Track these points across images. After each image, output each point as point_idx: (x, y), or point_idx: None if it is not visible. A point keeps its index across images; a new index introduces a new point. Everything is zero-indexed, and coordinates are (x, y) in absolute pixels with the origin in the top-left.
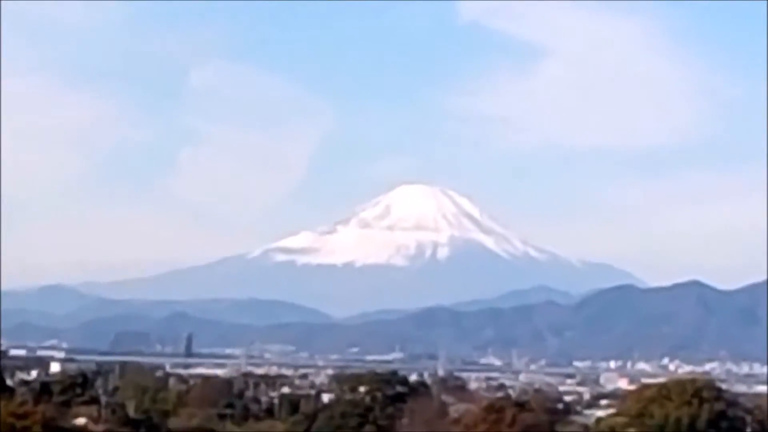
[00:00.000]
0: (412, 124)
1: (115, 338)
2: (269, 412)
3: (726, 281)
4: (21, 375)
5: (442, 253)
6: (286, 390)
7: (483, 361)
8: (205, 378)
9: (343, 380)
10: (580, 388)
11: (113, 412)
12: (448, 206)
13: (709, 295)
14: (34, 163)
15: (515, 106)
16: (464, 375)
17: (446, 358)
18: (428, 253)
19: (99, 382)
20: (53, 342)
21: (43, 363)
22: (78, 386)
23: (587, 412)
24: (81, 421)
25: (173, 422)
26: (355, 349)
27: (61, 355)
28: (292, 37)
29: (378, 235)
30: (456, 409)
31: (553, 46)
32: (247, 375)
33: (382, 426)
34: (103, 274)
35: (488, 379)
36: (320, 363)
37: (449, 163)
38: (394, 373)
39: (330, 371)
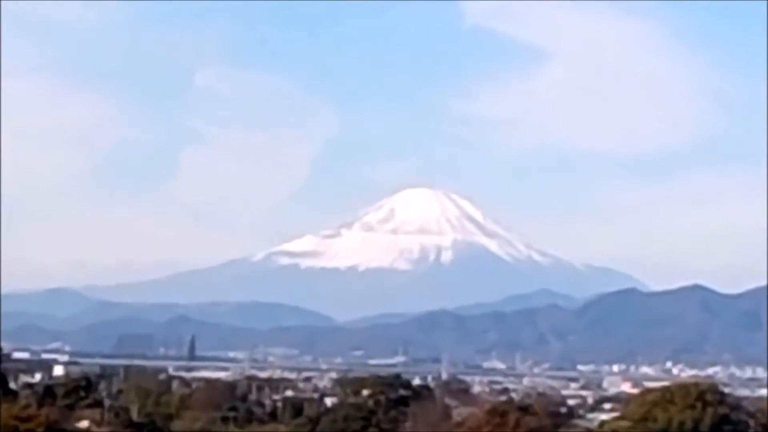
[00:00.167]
0: (415, 126)
1: (118, 341)
2: (272, 415)
3: (729, 285)
4: (24, 378)
5: (446, 256)
6: (289, 393)
7: (486, 364)
8: (209, 381)
9: (347, 384)
10: (583, 392)
11: (116, 415)
12: (451, 210)
13: (712, 298)
14: (35, 165)
15: (518, 109)
16: (467, 378)
17: (449, 361)
18: (432, 256)
19: (102, 386)
20: (56, 345)
21: (46, 366)
22: (81, 389)
23: (590, 415)
24: (84, 424)
25: (176, 425)
26: (358, 353)
27: (65, 358)
28: (295, 39)
29: (381, 238)
30: (459, 412)
31: (556, 48)
32: (250, 378)
33: (386, 429)
34: (106, 277)
35: (491, 382)
36: (323, 366)
37: (452, 166)
38: (398, 376)
39: (333, 375)
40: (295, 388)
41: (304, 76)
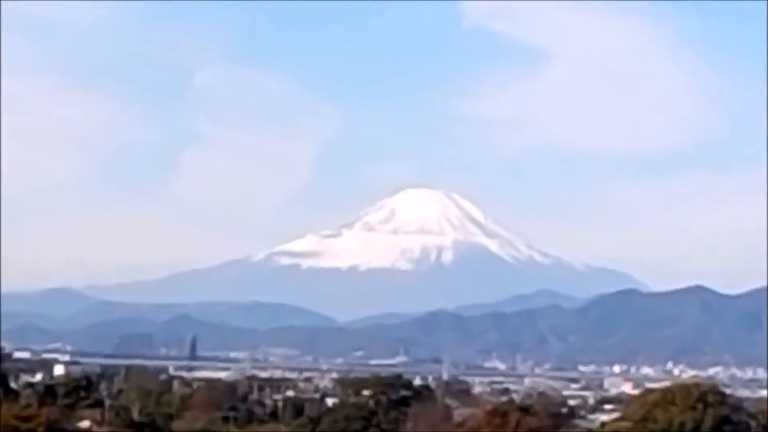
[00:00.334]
0: (415, 126)
1: (119, 341)
2: (273, 415)
3: (730, 286)
4: (25, 377)
5: (447, 257)
6: (290, 393)
7: (487, 365)
8: (209, 381)
9: (348, 384)
10: (584, 393)
11: (117, 415)
12: (452, 210)
13: (712, 299)
14: (36, 164)
15: (519, 109)
16: (468, 379)
17: (450, 362)
18: (432, 257)
19: (103, 385)
20: (57, 345)
21: (47, 366)
22: (82, 389)
23: (591, 416)
24: (85, 423)
25: (177, 425)
26: (359, 353)
27: (66, 357)
28: (296, 39)
29: (382, 238)
30: (460, 413)
31: (556, 49)
32: (251, 378)
33: (387, 430)
34: (107, 277)
35: (492, 383)
36: (324, 366)
37: (453, 166)
38: (399, 376)
39: (334, 375)
40: (295, 388)
41: (305, 76)
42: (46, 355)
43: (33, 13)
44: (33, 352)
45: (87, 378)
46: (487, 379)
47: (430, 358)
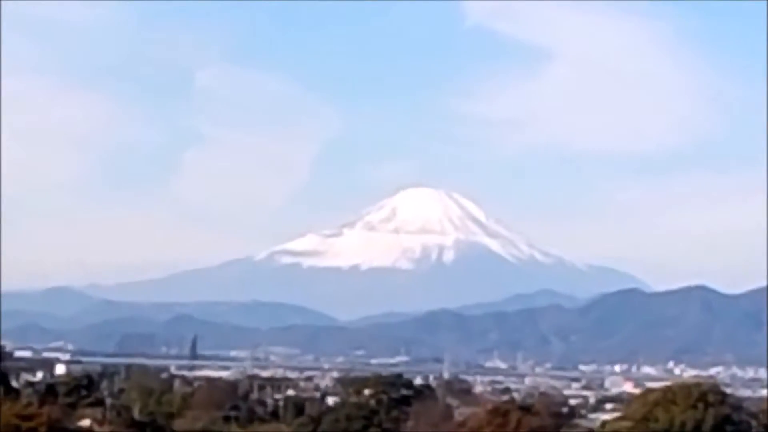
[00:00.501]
0: (416, 126)
1: (120, 340)
2: (274, 414)
3: (731, 285)
4: (26, 376)
5: (448, 256)
6: (291, 393)
7: (488, 364)
8: (210, 380)
9: (348, 383)
10: (585, 392)
11: (118, 414)
12: (453, 209)
13: (714, 299)
14: (37, 164)
15: (520, 109)
16: (469, 378)
17: (451, 361)
18: (434, 256)
19: (104, 384)
20: (59, 344)
21: (48, 365)
22: (83, 388)
23: (592, 415)
24: (86, 422)
25: (178, 424)
26: (360, 352)
27: (67, 356)
28: (297, 39)
29: (383, 238)
30: (461, 412)
31: (558, 49)
32: (252, 377)
33: (387, 429)
34: (108, 276)
35: (493, 382)
36: (325, 366)
37: (454, 166)
38: (399, 376)
39: (335, 374)
40: (296, 387)
41: (306, 76)
42: (47, 354)
43: (33, 13)
44: (34, 351)
45: (88, 377)
46: (488, 379)
47: (431, 357)
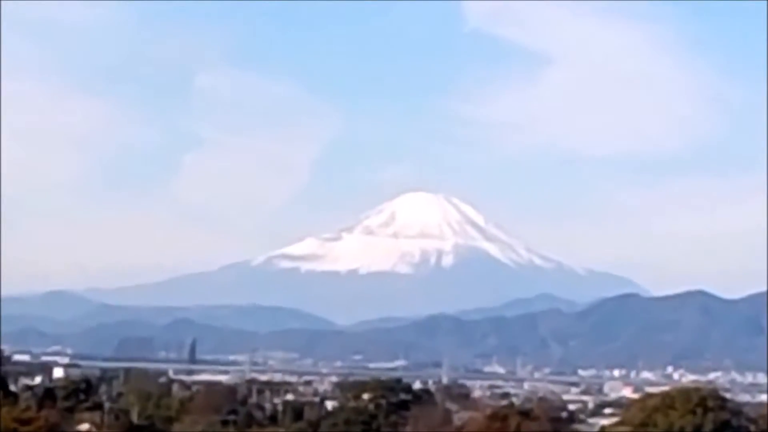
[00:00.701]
0: (416, 130)
1: (118, 344)
2: (273, 419)
3: (730, 290)
4: (25, 380)
5: (447, 260)
6: (289, 397)
7: (487, 369)
8: (209, 384)
9: (347, 387)
10: (584, 397)
11: (117, 418)
12: (452, 214)
13: (713, 304)
14: (37, 166)
15: (520, 112)
16: (468, 383)
17: (450, 365)
18: (432, 260)
19: (103, 388)
20: (57, 348)
21: (46, 369)
22: (81, 392)
23: (591, 420)
24: (84, 426)
25: (176, 428)
26: (358, 357)
27: (65, 360)
28: (297, 42)
29: (382, 242)
30: (460, 417)
31: (557, 52)
32: (250, 382)
33: None
34: (107, 280)
35: (492, 387)
36: (324, 370)
37: (454, 170)
38: (398, 380)
39: (334, 378)
40: (295, 391)
41: (306, 79)
42: (45, 358)
43: (34, 14)
44: (32, 355)
45: (86, 381)
46: (486, 383)
47: (430, 361)
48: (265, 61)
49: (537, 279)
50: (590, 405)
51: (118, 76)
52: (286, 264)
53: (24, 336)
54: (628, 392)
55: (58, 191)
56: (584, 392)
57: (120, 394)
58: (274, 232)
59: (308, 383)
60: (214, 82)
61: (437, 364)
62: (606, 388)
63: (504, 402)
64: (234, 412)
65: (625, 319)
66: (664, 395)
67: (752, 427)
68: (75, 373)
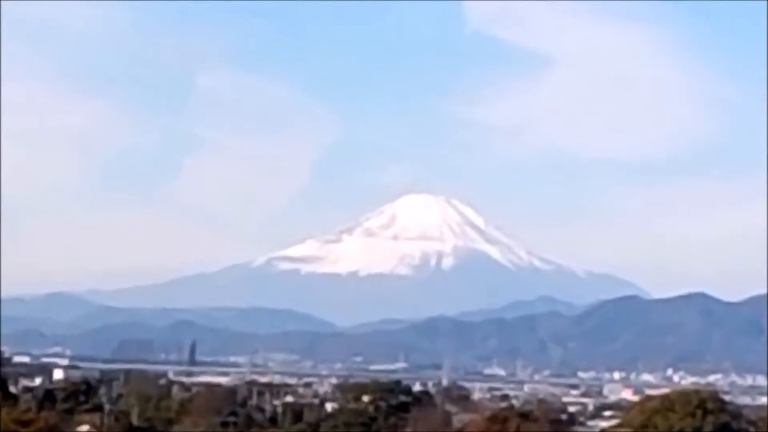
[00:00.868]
0: (416, 132)
1: (118, 346)
2: (273, 420)
3: (730, 293)
4: (25, 382)
5: (447, 262)
6: (289, 399)
7: (487, 371)
8: (209, 386)
9: (347, 389)
10: (584, 399)
11: (116, 419)
12: (453, 216)
13: (713, 306)
14: (37, 168)
15: (520, 115)
16: (468, 385)
17: (450, 367)
18: (433, 262)
19: (102, 390)
20: (57, 349)
21: (46, 370)
22: (81, 394)
23: (591, 423)
24: (84, 428)
25: (176, 430)
26: (358, 359)
27: (65, 362)
28: (298, 44)
29: (383, 244)
30: (459, 419)
31: (558, 55)
32: (250, 383)
33: None
34: (107, 282)
35: (492, 389)
36: (324, 372)
37: (454, 172)
38: (398, 382)
39: (334, 380)
40: (295, 393)
41: (307, 81)
42: (45, 360)
43: (34, 15)
44: (32, 356)
45: (86, 383)
46: (486, 385)
47: (430, 363)
48: (266, 62)
49: (537, 281)
50: (590, 407)
51: (119, 78)
52: (286, 266)
53: (24, 337)
54: (627, 394)
55: (59, 193)
56: (584, 394)
57: (120, 396)
58: (275, 234)
59: (308, 385)
60: (214, 83)
61: (437, 366)
62: (606, 391)
63: (504, 404)
64: (234, 413)
65: (625, 322)
66: (663, 397)
67: (752, 430)
68: (75, 374)
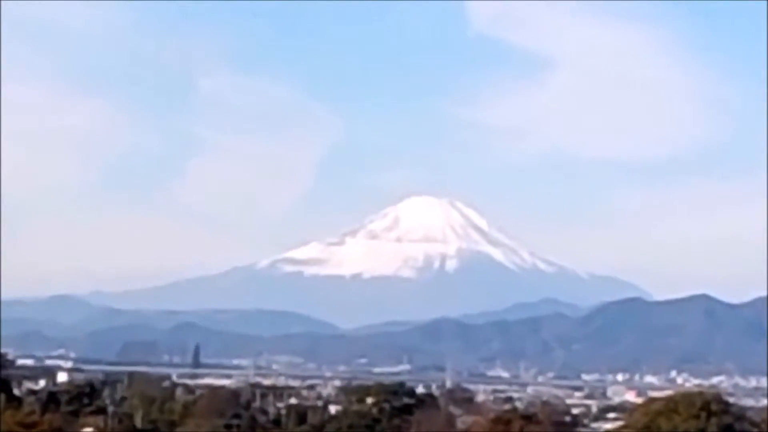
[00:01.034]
0: (420, 134)
1: (122, 348)
2: (276, 423)
3: (733, 294)
4: (28, 385)
5: (450, 265)
6: (293, 401)
7: (490, 373)
8: (213, 388)
9: (351, 391)
10: (587, 401)
11: (120, 422)
12: (456, 218)
13: (716, 308)
14: (40, 171)
15: (523, 117)
16: (472, 387)
17: (453, 369)
18: (436, 264)
19: (106, 392)
20: (61, 352)
21: (50, 373)
22: (85, 396)
23: (595, 425)
24: (88, 430)
25: None
26: (362, 361)
27: (69, 364)
28: (301, 46)
29: (386, 246)
30: (463, 421)
31: (561, 56)
32: (254, 386)
33: None
34: (111, 284)
35: (496, 391)
36: (328, 374)
37: (457, 174)
38: (402, 384)
39: (337, 382)
40: (299, 395)
41: (309, 83)
42: (49, 362)
43: (35, 16)
44: (36, 358)
45: (90, 385)
46: (490, 387)
47: (434, 365)
48: (268, 63)
49: (540, 283)
50: (593, 409)
51: (119, 78)
52: (290, 268)
53: (28, 340)
54: (631, 396)
55: (60, 194)
56: (588, 396)
57: (124, 398)
58: (278, 236)
59: (312, 387)
60: (215, 84)
61: (441, 368)
62: (609, 393)
63: (507, 406)
64: (237, 416)
65: (628, 324)
66: (667, 399)
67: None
68: (79, 377)
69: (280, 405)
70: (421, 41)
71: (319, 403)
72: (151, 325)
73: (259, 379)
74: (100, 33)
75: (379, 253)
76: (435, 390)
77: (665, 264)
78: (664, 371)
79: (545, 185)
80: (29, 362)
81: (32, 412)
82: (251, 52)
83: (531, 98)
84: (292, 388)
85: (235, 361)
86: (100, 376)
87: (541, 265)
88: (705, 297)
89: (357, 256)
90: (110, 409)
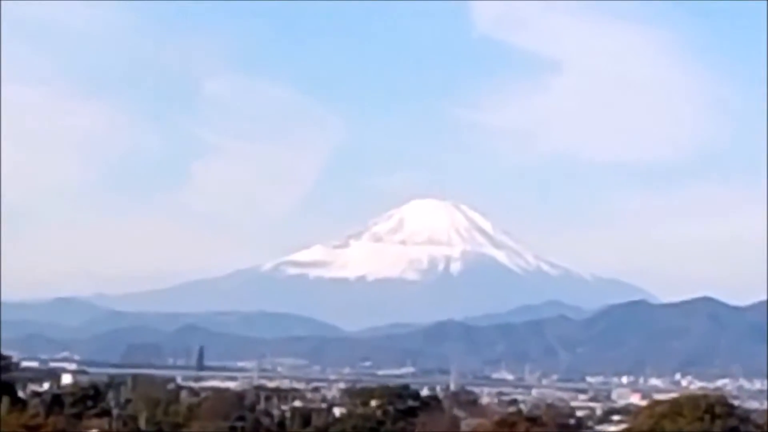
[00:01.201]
0: (424, 136)
1: (126, 350)
2: (281, 425)
3: (738, 297)
4: (33, 387)
5: (455, 267)
6: (297, 403)
7: (495, 375)
8: (217, 391)
9: (355, 394)
10: (592, 404)
11: (125, 424)
12: (460, 220)
13: (721, 310)
14: (44, 173)
15: (527, 119)
16: (476, 390)
17: (458, 372)
18: (441, 267)
19: (110, 395)
20: (65, 354)
21: (54, 375)
22: (89, 398)
23: (599, 427)
24: None
25: None
26: (367, 363)
27: (73, 367)
28: (304, 49)
29: (390, 249)
30: (468, 423)
31: (565, 59)
32: (258, 388)
33: None
34: (115, 286)
35: (500, 393)
36: (332, 377)
37: (462, 176)
38: (406, 387)
39: (342, 385)
40: (303, 398)
41: (314, 86)
42: (53, 365)
43: (36, 17)
44: (40, 361)
45: (94, 387)
46: (494, 390)
47: (438, 368)
48: (270, 65)
49: (545, 285)
50: (598, 412)
51: (123, 81)
52: (294, 270)
53: (32, 342)
54: (636, 399)
55: (64, 196)
56: (592, 399)
57: (128, 401)
58: (282, 239)
59: (316, 390)
60: (218, 86)
61: (445, 371)
62: (614, 395)
63: (512, 408)
64: (242, 418)
65: (632, 326)
66: (672, 402)
67: None
68: (83, 379)
69: (285, 407)
70: (425, 43)
71: (324, 406)
72: (154, 328)
73: (263, 382)
74: (101, 33)
75: (383, 255)
76: (439, 392)
77: (669, 266)
78: (668, 374)
79: (549, 188)
80: (34, 365)
81: (36, 415)
82: (253, 53)
83: (536, 100)
84: (297, 390)
85: (240, 364)
86: (104, 379)
87: (546, 268)
88: (709, 299)
89: (361, 258)
90: (114, 411)
